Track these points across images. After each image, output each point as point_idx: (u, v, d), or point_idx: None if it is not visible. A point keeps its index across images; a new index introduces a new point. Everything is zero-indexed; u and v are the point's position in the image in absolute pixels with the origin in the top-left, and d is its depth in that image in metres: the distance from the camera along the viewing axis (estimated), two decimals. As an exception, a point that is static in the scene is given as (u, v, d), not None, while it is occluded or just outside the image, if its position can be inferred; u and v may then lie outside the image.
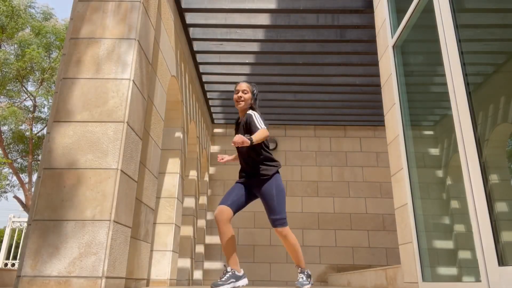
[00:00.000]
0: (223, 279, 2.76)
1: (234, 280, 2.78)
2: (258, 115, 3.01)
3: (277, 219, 2.93)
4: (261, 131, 2.85)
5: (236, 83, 3.24)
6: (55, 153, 2.99)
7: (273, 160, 3.08)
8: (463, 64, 2.32)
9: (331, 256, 8.47)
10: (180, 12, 5.31)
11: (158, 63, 4.36)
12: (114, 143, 3.05)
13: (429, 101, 3.32)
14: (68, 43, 3.37)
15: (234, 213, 2.93)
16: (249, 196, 3.07)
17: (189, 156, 7.05)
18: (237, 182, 3.12)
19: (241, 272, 2.88)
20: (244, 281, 2.86)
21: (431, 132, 3.22)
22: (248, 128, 2.97)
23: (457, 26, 2.41)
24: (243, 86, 3.15)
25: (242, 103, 3.11)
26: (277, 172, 3.06)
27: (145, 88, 3.66)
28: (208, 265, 8.41)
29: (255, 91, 3.18)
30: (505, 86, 2.19)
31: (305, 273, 3.08)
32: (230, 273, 2.80)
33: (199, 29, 6.02)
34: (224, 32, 5.98)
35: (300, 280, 3.04)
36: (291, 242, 3.00)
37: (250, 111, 3.07)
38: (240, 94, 3.11)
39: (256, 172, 3.02)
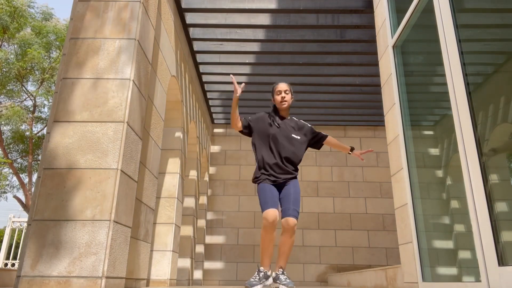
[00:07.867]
0: (257, 278, 2.97)
1: (265, 280, 2.99)
2: None
3: (297, 210, 3.05)
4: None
5: (273, 84, 3.41)
6: (55, 153, 2.99)
7: None
8: (463, 64, 2.31)
9: (331, 256, 8.47)
10: (180, 12, 5.31)
11: (158, 63, 4.36)
12: (114, 143, 3.05)
13: (429, 101, 3.32)
14: (68, 43, 3.38)
15: None
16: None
17: (189, 156, 7.05)
18: (265, 184, 3.11)
19: (269, 272, 3.09)
20: (270, 280, 3.06)
21: (431, 132, 3.22)
22: (314, 134, 3.45)
23: (457, 26, 2.41)
24: (284, 86, 3.33)
25: (286, 103, 3.29)
26: None
27: (145, 88, 3.66)
28: (208, 265, 8.40)
29: (292, 91, 3.38)
30: (505, 86, 2.19)
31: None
32: (263, 273, 3.00)
33: (199, 29, 6.02)
34: (224, 32, 5.97)
35: (286, 280, 2.96)
36: (293, 240, 3.06)
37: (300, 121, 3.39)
38: (283, 94, 3.29)
39: (289, 169, 3.18)
